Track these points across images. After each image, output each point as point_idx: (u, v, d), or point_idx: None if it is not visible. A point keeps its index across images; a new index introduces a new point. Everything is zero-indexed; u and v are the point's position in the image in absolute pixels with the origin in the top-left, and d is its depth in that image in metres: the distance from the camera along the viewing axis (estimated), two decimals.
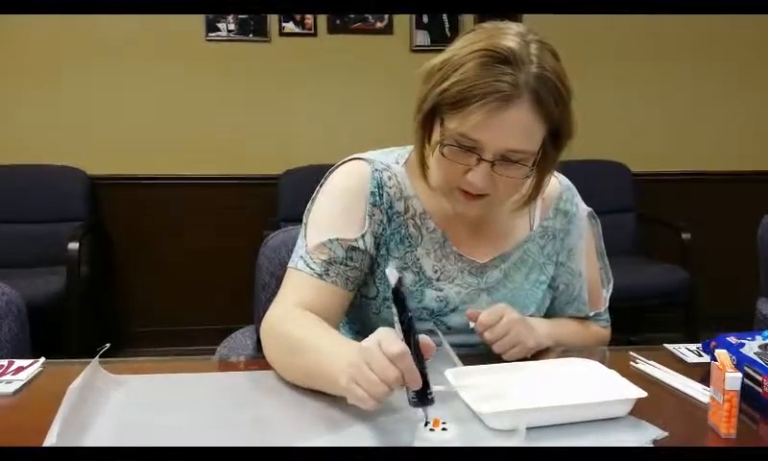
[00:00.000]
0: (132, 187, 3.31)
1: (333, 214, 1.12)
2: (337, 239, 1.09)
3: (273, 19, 3.30)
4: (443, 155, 1.02)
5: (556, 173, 1.19)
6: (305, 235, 1.12)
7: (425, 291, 1.13)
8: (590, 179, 3.36)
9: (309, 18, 3.31)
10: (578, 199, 1.24)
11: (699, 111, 3.54)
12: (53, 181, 3.20)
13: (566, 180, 1.24)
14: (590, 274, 1.24)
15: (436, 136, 1.04)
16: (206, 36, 3.28)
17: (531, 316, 1.17)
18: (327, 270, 1.08)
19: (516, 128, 0.99)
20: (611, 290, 1.28)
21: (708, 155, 3.55)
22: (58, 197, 3.17)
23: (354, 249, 1.10)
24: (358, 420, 0.86)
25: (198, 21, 3.26)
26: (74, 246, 2.84)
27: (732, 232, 3.18)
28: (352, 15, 3.31)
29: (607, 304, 1.27)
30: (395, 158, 1.17)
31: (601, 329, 1.27)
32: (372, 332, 0.88)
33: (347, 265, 1.09)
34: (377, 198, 1.12)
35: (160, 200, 3.32)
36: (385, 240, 1.13)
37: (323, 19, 3.31)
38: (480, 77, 0.97)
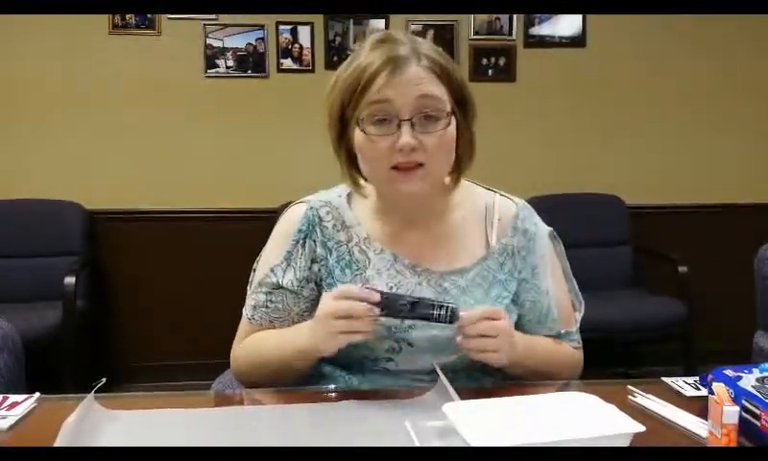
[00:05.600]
0: (129, 221, 3.32)
1: (264, 259, 1.22)
2: (259, 284, 1.20)
3: (271, 56, 3.34)
4: (365, 133, 1.09)
5: (511, 195, 1.25)
6: (252, 278, 1.24)
7: None
8: (585, 212, 3.40)
9: (307, 55, 3.35)
10: (537, 218, 1.25)
11: (693, 143, 3.57)
12: (50, 214, 3.20)
13: (523, 201, 1.26)
14: (558, 293, 1.23)
15: (354, 133, 1.11)
16: (205, 72, 3.32)
17: None
18: (254, 315, 1.20)
19: (419, 79, 1.08)
20: (582, 312, 1.27)
21: (703, 187, 3.57)
22: (55, 231, 3.17)
23: (272, 292, 1.18)
24: (356, 422, 0.86)
25: (197, 57, 3.31)
26: (70, 280, 2.83)
27: (729, 265, 3.19)
28: (349, 52, 3.35)
29: (578, 326, 1.26)
30: (337, 193, 1.24)
31: (572, 349, 1.25)
32: (343, 356, 1.09)
33: (267, 307, 1.19)
34: (303, 235, 1.19)
35: (157, 234, 3.32)
36: (329, 270, 1.18)
37: (320, 56, 3.35)
38: (371, 56, 1.09)
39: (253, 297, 1.21)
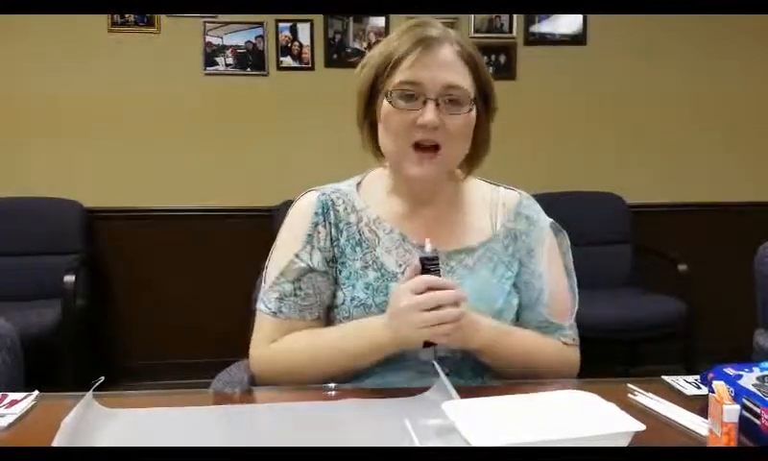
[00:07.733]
0: (128, 219, 3.31)
1: (282, 249, 1.21)
2: (282, 274, 1.18)
3: (271, 54, 3.34)
4: (391, 105, 1.13)
5: (516, 188, 1.30)
6: (265, 274, 1.22)
7: (389, 285, 1.16)
8: (586, 210, 3.40)
9: (307, 53, 3.35)
10: (539, 208, 1.29)
11: (693, 142, 3.57)
12: (48, 213, 3.19)
13: (527, 193, 1.31)
14: (556, 284, 1.23)
15: (381, 104, 1.15)
16: (205, 70, 3.32)
17: (499, 309, 1.18)
18: (280, 307, 1.18)
19: (449, 63, 1.13)
20: (576, 309, 1.25)
21: (703, 186, 3.57)
22: (53, 229, 3.16)
23: (300, 278, 1.17)
24: (355, 421, 0.86)
25: (196, 55, 3.30)
26: (69, 278, 2.83)
27: (729, 264, 3.19)
28: (349, 50, 3.36)
29: (572, 321, 1.25)
30: (347, 184, 1.28)
31: (562, 344, 1.23)
32: None
33: (296, 296, 1.18)
34: (321, 217, 1.21)
35: (156, 232, 3.32)
36: (341, 250, 1.20)
37: (320, 54, 3.35)
38: (405, 35, 1.15)
39: (277, 290, 1.18)
